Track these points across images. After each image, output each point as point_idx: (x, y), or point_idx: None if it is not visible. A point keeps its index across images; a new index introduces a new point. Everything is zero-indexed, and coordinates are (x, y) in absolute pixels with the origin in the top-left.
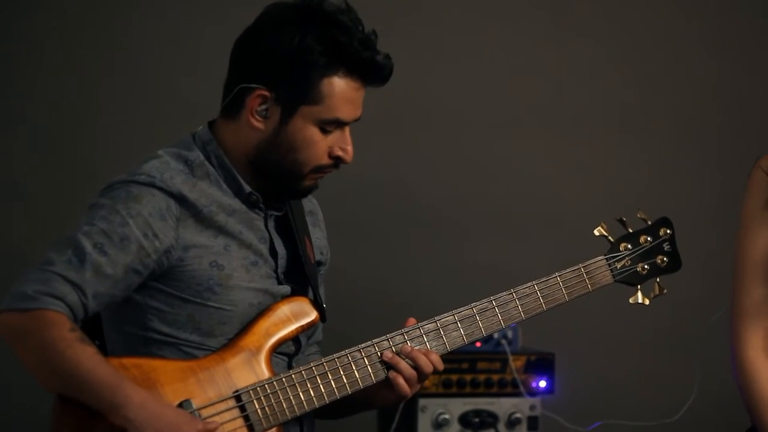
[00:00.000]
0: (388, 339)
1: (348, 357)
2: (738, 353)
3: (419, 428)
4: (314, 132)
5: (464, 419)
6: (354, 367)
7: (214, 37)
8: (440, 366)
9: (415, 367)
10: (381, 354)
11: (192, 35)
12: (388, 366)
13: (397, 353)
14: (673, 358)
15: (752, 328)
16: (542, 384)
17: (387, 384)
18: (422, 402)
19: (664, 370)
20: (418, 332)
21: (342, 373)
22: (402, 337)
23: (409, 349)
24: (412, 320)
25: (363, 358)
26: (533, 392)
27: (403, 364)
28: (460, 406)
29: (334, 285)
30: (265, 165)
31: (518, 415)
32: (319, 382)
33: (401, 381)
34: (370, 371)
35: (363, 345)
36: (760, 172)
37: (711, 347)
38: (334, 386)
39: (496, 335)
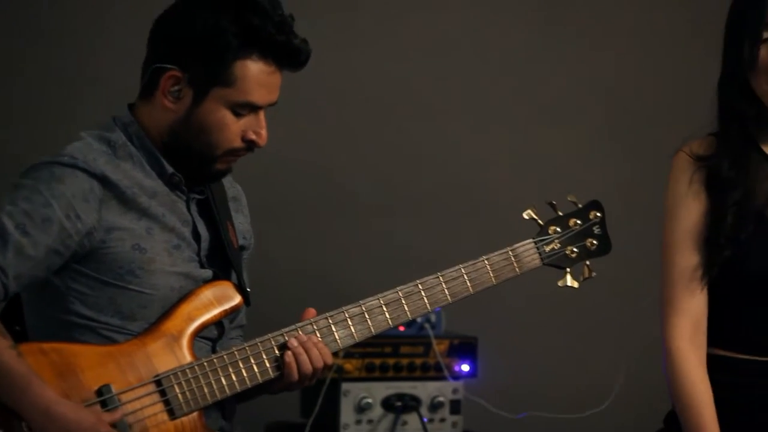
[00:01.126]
0: (312, 323)
1: (271, 341)
2: (668, 345)
3: (342, 412)
4: (226, 115)
5: (387, 403)
6: (276, 352)
7: (137, 17)
8: (329, 360)
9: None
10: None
11: (115, 16)
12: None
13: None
14: (599, 343)
15: (680, 317)
16: (465, 368)
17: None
18: (345, 386)
19: (590, 356)
20: (342, 315)
21: (264, 357)
22: (326, 321)
23: (305, 338)
24: (311, 311)
25: (259, 354)
26: (456, 376)
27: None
28: (382, 389)
29: (259, 269)
30: (178, 147)
31: (441, 398)
32: (241, 366)
33: (296, 378)
34: (267, 366)
35: (286, 329)
36: (684, 156)
37: (637, 334)
38: (256, 370)
39: (419, 319)
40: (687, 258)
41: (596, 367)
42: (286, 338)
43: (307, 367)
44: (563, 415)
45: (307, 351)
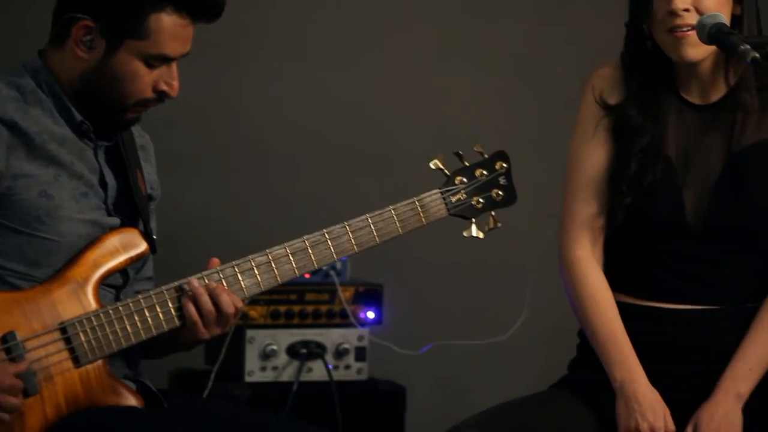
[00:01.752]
0: (218, 271)
1: (175, 289)
2: (565, 256)
3: (246, 359)
4: (139, 66)
5: (292, 350)
6: (157, 310)
7: None
8: (239, 304)
9: (215, 304)
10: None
11: None
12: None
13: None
14: (503, 286)
15: (579, 234)
16: (370, 315)
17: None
18: (250, 333)
19: (492, 298)
20: (249, 264)
21: (170, 305)
22: (233, 269)
23: (214, 285)
24: (216, 261)
25: (155, 304)
26: (361, 323)
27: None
28: (288, 336)
29: (166, 217)
30: (88, 95)
31: (346, 345)
32: (147, 314)
33: (197, 319)
34: (173, 314)
35: (192, 277)
36: (590, 94)
37: (541, 274)
38: (161, 318)
39: (325, 267)
40: (587, 206)
41: (497, 311)
42: (155, 298)
43: (209, 308)
44: (466, 342)
45: (215, 296)
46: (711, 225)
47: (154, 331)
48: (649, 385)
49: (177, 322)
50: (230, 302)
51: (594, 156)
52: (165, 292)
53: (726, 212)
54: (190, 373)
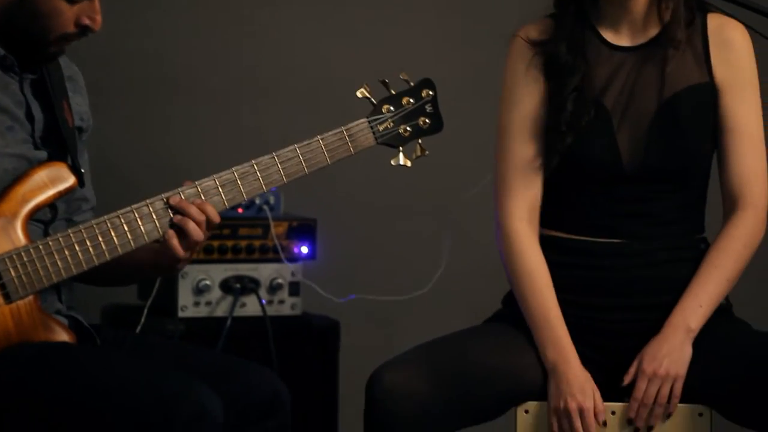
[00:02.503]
0: (147, 204)
1: (107, 223)
2: (503, 225)
3: (180, 294)
4: (60, 2)
5: (225, 285)
6: (113, 234)
7: None
8: (215, 217)
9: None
10: (166, 201)
11: None
12: (170, 222)
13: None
14: (429, 223)
15: (516, 199)
16: (304, 250)
17: (157, 249)
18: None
19: (421, 236)
20: (177, 198)
21: (101, 239)
22: (161, 202)
23: (178, 199)
24: (187, 182)
25: (122, 224)
26: (295, 258)
27: (192, 211)
28: (221, 271)
29: (98, 151)
30: (11, 30)
31: (280, 280)
32: (77, 249)
33: (175, 241)
34: (129, 237)
35: (122, 210)
36: (520, 41)
37: (468, 216)
38: (92, 252)
39: (258, 201)
40: (525, 146)
41: (426, 248)
42: (122, 220)
43: (197, 221)
44: (387, 298)
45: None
46: (646, 168)
47: (84, 266)
48: (581, 366)
49: (108, 257)
50: (215, 212)
51: (527, 97)
52: (95, 226)
53: (661, 155)
54: (123, 308)
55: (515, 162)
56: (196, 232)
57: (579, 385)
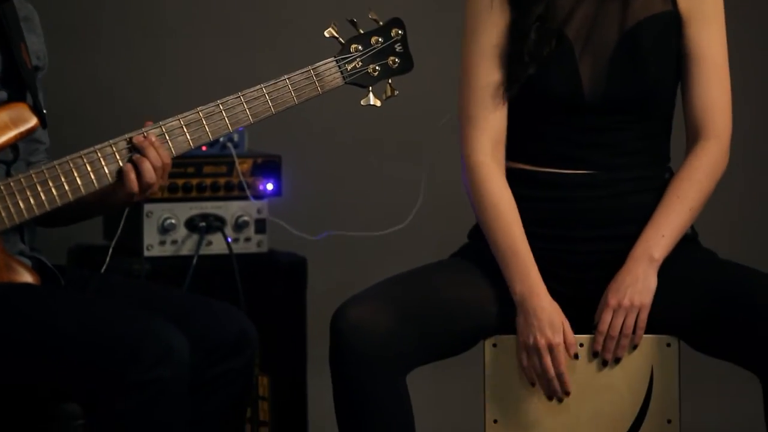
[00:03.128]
0: (111, 145)
1: (69, 164)
2: (468, 159)
3: (145, 234)
4: None
5: (191, 223)
6: (76, 174)
7: None
8: (167, 160)
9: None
10: (129, 141)
11: None
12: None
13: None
14: (401, 161)
15: (480, 132)
16: (269, 187)
17: (114, 186)
18: (147, 207)
19: (390, 174)
20: (141, 138)
21: (63, 180)
22: (125, 143)
23: (142, 138)
24: (148, 122)
25: (85, 164)
26: (260, 195)
27: (151, 154)
28: (186, 210)
29: (57, 91)
30: None
31: (246, 218)
32: (39, 189)
33: (132, 175)
34: (92, 177)
35: (85, 151)
36: None
37: (437, 151)
38: (55, 194)
39: (222, 138)
40: (488, 75)
41: (397, 185)
42: (85, 160)
43: (154, 167)
44: (364, 233)
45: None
46: (608, 99)
47: (47, 206)
48: (550, 298)
49: (71, 197)
50: (158, 157)
51: (491, 25)
52: (57, 167)
53: (623, 86)
54: (89, 248)
55: (479, 93)
56: (150, 174)
57: (548, 319)
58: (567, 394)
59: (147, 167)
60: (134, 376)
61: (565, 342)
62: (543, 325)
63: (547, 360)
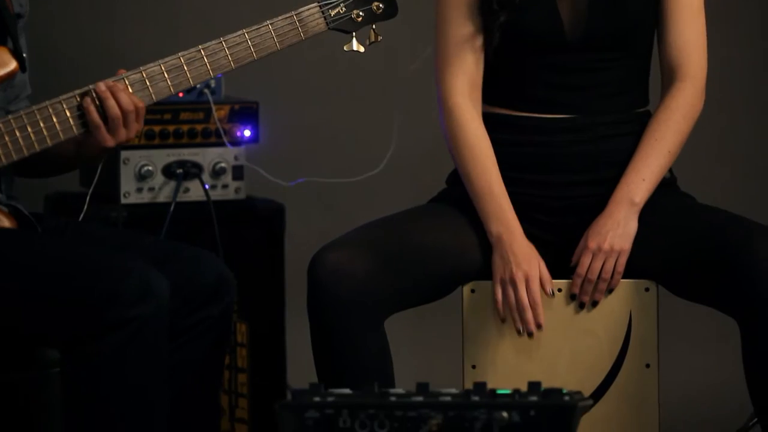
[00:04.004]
0: (91, 90)
1: (49, 108)
2: (444, 102)
3: (122, 180)
4: None
5: (168, 170)
6: (55, 119)
7: None
8: (140, 103)
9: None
10: (94, 91)
11: None
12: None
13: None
14: (375, 108)
15: (456, 75)
16: (246, 133)
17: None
18: (124, 154)
19: (366, 120)
20: (122, 84)
21: (42, 125)
22: (104, 85)
23: (104, 87)
24: (121, 71)
25: (65, 109)
26: (237, 142)
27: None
28: (163, 157)
29: (38, 38)
30: None
31: (223, 164)
32: (18, 135)
33: (103, 129)
34: (72, 123)
35: (64, 96)
36: None
37: (412, 97)
38: (33, 139)
39: (199, 85)
40: (462, 27)
41: (373, 132)
42: (65, 105)
43: (115, 112)
44: (338, 180)
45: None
46: (589, 35)
47: (26, 152)
48: (525, 238)
49: (49, 142)
50: (130, 101)
51: None
52: (36, 112)
53: (604, 21)
54: (66, 196)
55: (454, 39)
56: (117, 121)
57: (524, 254)
58: (539, 327)
59: (113, 113)
60: (114, 314)
61: (541, 280)
62: (519, 260)
63: (523, 290)
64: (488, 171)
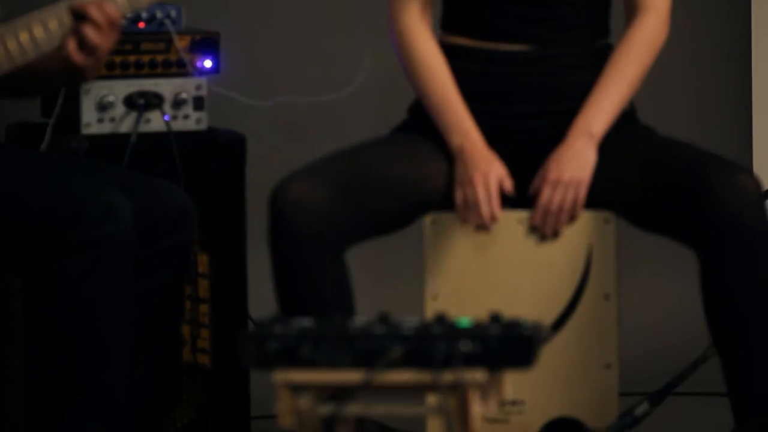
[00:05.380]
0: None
1: (17, 25)
2: (396, 24)
3: (83, 111)
4: None
5: (129, 101)
6: (26, 36)
7: None
8: (114, 14)
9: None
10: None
11: None
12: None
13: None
14: (343, 34)
15: (408, 2)
16: (207, 63)
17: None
18: (85, 85)
19: (335, 45)
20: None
21: (9, 44)
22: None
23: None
24: None
25: (37, 25)
26: (199, 72)
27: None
28: (124, 87)
29: None
30: None
31: (184, 95)
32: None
33: (72, 45)
34: (45, 36)
35: (36, 12)
36: None
37: (380, 26)
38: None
39: (159, 15)
40: None
41: (340, 57)
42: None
43: (99, 24)
44: (313, 99)
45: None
46: None
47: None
48: (486, 146)
49: (32, 55)
50: (114, 10)
51: None
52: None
53: None
54: (28, 126)
55: None
56: (93, 35)
57: (483, 158)
58: (494, 219)
59: (88, 31)
60: (78, 235)
61: (500, 180)
62: (478, 162)
63: (480, 187)
64: (444, 84)
